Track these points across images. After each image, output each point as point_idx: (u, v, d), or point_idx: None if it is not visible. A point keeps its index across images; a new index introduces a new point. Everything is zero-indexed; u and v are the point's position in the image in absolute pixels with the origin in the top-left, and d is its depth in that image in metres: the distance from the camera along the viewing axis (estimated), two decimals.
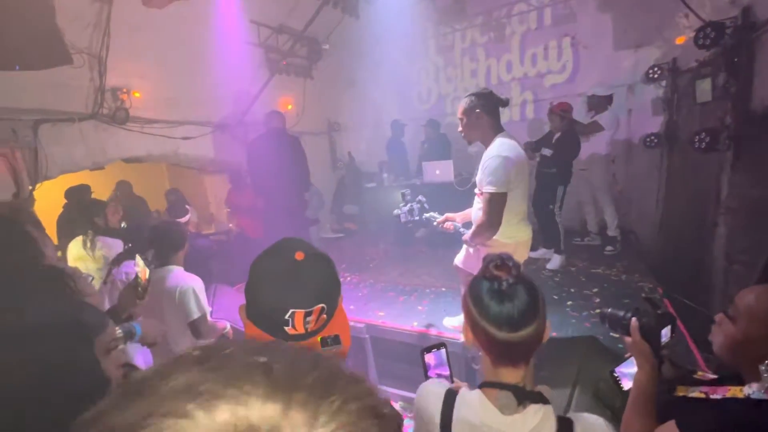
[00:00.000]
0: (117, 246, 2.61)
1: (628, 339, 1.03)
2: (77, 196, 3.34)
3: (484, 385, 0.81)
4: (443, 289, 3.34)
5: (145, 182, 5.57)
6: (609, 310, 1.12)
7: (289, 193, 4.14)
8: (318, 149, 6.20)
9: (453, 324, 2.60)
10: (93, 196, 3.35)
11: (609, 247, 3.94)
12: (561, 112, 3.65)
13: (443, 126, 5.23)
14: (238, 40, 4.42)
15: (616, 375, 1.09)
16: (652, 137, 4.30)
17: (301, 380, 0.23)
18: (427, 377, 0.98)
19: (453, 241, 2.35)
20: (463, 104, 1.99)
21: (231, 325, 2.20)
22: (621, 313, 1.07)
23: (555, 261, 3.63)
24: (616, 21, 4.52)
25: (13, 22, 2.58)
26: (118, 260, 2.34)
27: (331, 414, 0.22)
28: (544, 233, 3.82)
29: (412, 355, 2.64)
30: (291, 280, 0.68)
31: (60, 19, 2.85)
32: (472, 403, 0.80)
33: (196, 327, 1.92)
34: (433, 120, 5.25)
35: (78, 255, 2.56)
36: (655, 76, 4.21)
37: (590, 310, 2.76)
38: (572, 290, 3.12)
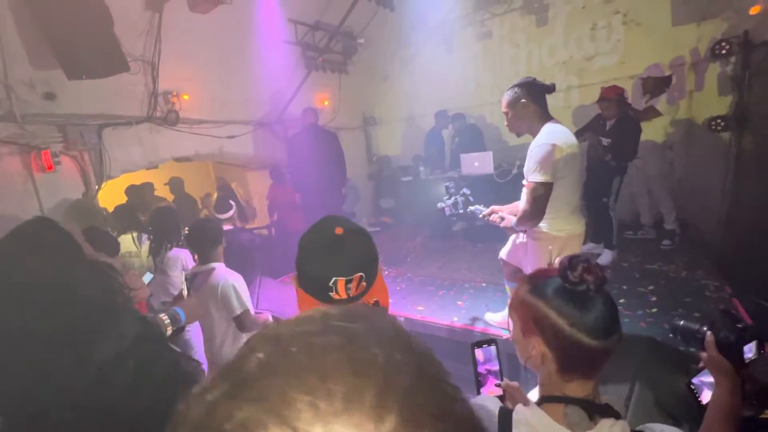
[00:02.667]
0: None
1: (703, 354, 0.93)
2: (140, 193, 3.62)
3: (545, 401, 0.73)
4: (483, 284, 3.26)
5: (193, 180, 5.91)
6: (681, 322, 1.01)
7: (326, 188, 4.22)
8: (354, 144, 6.26)
9: (495, 320, 2.53)
10: (156, 193, 3.60)
11: (666, 241, 3.63)
12: (616, 96, 3.35)
13: (479, 117, 5.08)
14: (277, 39, 4.54)
15: (694, 386, 0.99)
16: (719, 120, 3.89)
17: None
18: (476, 372, 0.95)
19: (492, 235, 2.27)
20: (507, 97, 1.91)
21: (273, 316, 2.28)
22: (696, 326, 0.96)
23: (606, 256, 3.40)
24: None
25: (79, 35, 2.82)
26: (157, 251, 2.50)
27: None
28: (595, 227, 3.60)
29: (452, 351, 2.60)
30: (332, 252, 0.76)
31: (117, 29, 3.07)
32: (533, 423, 0.71)
33: (241, 322, 2.00)
34: (459, 113, 5.12)
35: (128, 251, 2.72)
36: (724, 51, 3.79)
37: (645, 308, 2.57)
38: (625, 287, 2.92)
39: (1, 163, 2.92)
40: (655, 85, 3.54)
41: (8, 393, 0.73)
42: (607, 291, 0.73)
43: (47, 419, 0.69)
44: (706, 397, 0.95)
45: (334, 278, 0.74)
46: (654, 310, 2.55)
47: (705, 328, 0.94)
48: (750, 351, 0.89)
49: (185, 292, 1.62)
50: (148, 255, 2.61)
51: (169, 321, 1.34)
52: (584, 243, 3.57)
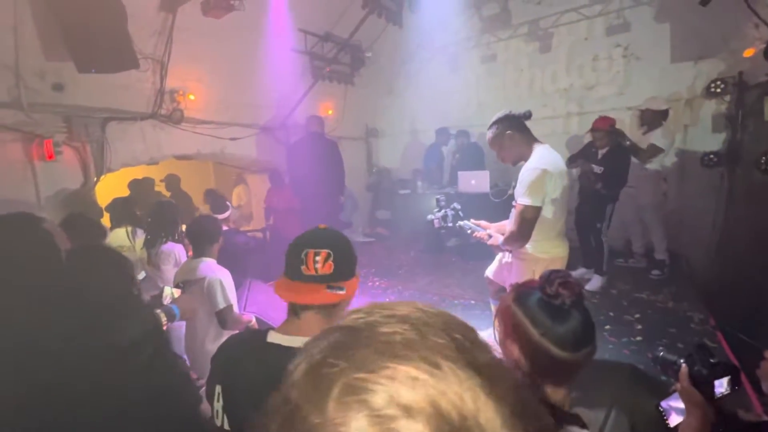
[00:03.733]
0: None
1: (677, 385, 0.97)
2: (141, 188, 3.65)
3: None
4: (472, 301, 3.27)
5: (192, 178, 5.94)
6: (662, 353, 1.06)
7: (324, 195, 4.25)
8: (355, 154, 6.33)
9: None
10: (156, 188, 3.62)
11: (656, 271, 3.67)
12: (609, 127, 3.46)
13: (480, 135, 5.16)
14: (286, 47, 4.64)
15: (662, 408, 1.02)
16: (712, 156, 3.99)
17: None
18: None
19: (485, 253, 2.31)
20: (490, 134, 1.99)
21: (256, 317, 2.28)
22: (674, 358, 1.01)
23: (595, 282, 3.43)
24: (676, 31, 4.25)
25: (93, 30, 2.88)
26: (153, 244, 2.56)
27: None
28: (586, 252, 3.64)
29: None
30: (309, 233, 0.95)
31: (130, 27, 3.15)
32: None
33: (222, 317, 2.02)
34: (464, 130, 5.21)
35: (121, 244, 2.73)
36: (718, 90, 3.91)
37: (630, 336, 2.59)
38: (611, 314, 2.95)
39: (3, 148, 2.94)
40: (653, 117, 3.60)
41: (34, 372, 0.75)
42: (585, 307, 0.77)
43: (66, 401, 0.71)
44: (673, 420, 0.98)
45: (305, 249, 0.88)
46: (639, 338, 2.57)
47: (681, 361, 0.98)
48: (721, 386, 0.92)
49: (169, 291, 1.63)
50: (142, 247, 2.62)
51: (165, 316, 1.38)
52: (576, 269, 3.66)
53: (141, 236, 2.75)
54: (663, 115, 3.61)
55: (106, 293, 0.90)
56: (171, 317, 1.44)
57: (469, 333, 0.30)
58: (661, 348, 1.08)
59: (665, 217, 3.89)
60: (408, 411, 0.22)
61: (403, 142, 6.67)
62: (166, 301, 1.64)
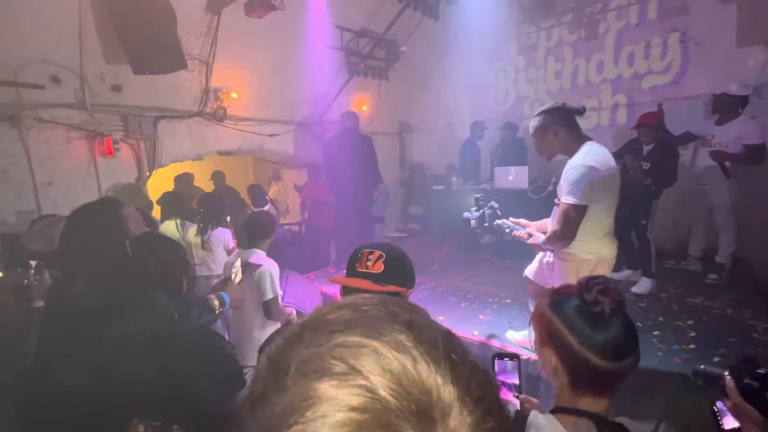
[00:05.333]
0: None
1: (728, 403, 0.85)
2: (185, 182, 3.89)
3: (558, 411, 0.75)
4: (508, 300, 3.19)
5: (233, 174, 6.21)
6: (702, 366, 0.96)
7: (358, 190, 4.30)
8: (388, 149, 6.34)
9: (516, 339, 2.47)
10: (195, 183, 3.86)
11: (713, 275, 3.37)
12: (656, 123, 3.24)
13: (520, 130, 4.97)
14: (323, 44, 4.71)
15: (717, 409, 0.93)
16: None
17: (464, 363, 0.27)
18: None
19: (521, 251, 2.23)
20: (535, 123, 1.88)
21: (297, 310, 2.36)
22: (718, 371, 0.91)
23: (643, 285, 3.20)
24: (743, 12, 3.85)
25: (147, 34, 3.08)
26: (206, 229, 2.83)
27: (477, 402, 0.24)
28: (628, 252, 3.42)
29: None
30: (372, 243, 1.04)
31: (179, 30, 3.33)
32: (543, 427, 0.74)
33: (269, 307, 2.11)
34: (511, 123, 5.01)
35: (172, 235, 2.92)
36: None
37: (682, 344, 2.41)
38: (661, 319, 2.76)
39: (71, 146, 3.23)
40: (730, 103, 3.19)
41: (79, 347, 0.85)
42: (627, 315, 0.74)
43: (108, 375, 0.79)
44: (728, 423, 0.90)
45: (362, 249, 1.00)
46: (692, 346, 2.38)
47: (726, 374, 0.89)
48: None
49: (236, 276, 1.74)
50: (196, 234, 2.86)
51: (218, 303, 1.47)
52: (620, 270, 3.45)
53: (189, 228, 2.93)
54: (742, 101, 3.22)
55: (164, 274, 0.99)
56: (223, 304, 1.54)
57: (403, 303, 0.33)
58: (701, 364, 1.00)
59: (738, 220, 3.49)
60: (359, 371, 0.23)
61: (437, 138, 6.58)
62: (237, 276, 1.75)
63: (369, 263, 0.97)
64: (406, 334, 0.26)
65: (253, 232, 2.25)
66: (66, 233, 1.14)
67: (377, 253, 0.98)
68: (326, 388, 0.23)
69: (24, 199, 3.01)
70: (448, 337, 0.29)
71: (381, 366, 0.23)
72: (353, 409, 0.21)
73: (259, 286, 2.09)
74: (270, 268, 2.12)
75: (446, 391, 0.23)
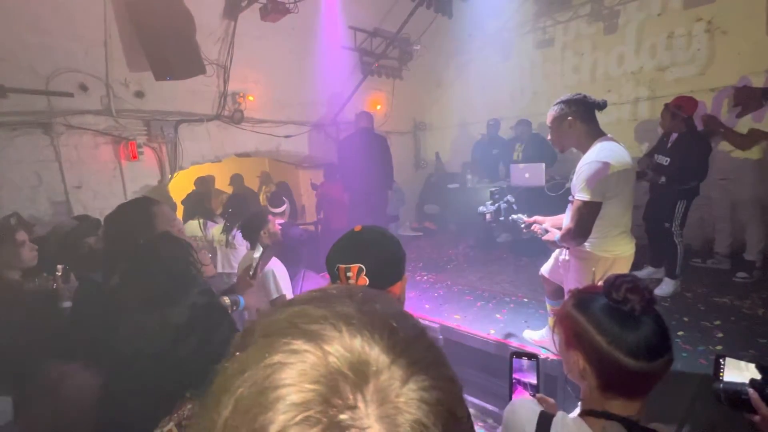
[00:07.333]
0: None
1: (756, 417, 0.79)
2: (206, 184, 4.02)
3: (587, 413, 0.73)
4: (525, 299, 3.15)
5: (251, 174, 6.33)
6: (722, 384, 0.85)
7: (372, 189, 4.32)
8: (403, 148, 6.34)
9: (534, 338, 2.44)
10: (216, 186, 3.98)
11: (742, 274, 3.23)
12: (674, 108, 3.02)
13: (536, 126, 4.89)
14: (337, 45, 4.75)
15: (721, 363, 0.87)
16: None
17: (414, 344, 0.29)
18: (511, 379, 0.95)
19: (538, 249, 2.21)
20: (552, 112, 1.84)
21: None
22: (738, 386, 0.85)
23: (666, 286, 3.07)
24: None
25: (167, 41, 3.18)
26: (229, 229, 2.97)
27: (422, 385, 0.26)
28: (655, 252, 3.30)
29: (484, 362, 2.56)
30: (342, 242, 0.87)
31: (197, 36, 3.43)
32: (570, 430, 0.72)
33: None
34: (525, 119, 4.92)
35: (194, 234, 3.04)
36: None
37: (708, 344, 2.33)
38: (686, 319, 2.67)
39: (98, 151, 3.38)
40: (752, 96, 3.07)
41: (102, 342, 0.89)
42: (658, 313, 0.71)
43: (130, 367, 0.83)
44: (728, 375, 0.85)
45: (336, 265, 0.82)
46: (719, 347, 2.30)
47: (747, 387, 0.84)
48: None
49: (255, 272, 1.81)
50: (222, 233, 2.99)
51: (230, 303, 1.52)
52: (642, 267, 3.34)
53: (211, 227, 3.03)
54: (765, 93, 3.08)
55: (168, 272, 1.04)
56: (237, 305, 1.59)
57: (368, 290, 0.36)
58: (720, 382, 0.85)
59: (764, 215, 3.34)
60: (308, 332, 0.27)
61: (451, 136, 6.54)
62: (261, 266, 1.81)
63: (350, 281, 0.81)
64: (354, 308, 0.30)
65: (247, 233, 2.32)
66: (104, 232, 1.23)
67: (354, 267, 0.80)
68: (280, 344, 0.26)
69: (55, 203, 3.18)
70: (401, 315, 0.33)
71: (329, 331, 0.27)
72: (302, 361, 0.25)
73: (264, 286, 2.14)
74: (273, 267, 2.16)
75: (381, 355, 0.26)
